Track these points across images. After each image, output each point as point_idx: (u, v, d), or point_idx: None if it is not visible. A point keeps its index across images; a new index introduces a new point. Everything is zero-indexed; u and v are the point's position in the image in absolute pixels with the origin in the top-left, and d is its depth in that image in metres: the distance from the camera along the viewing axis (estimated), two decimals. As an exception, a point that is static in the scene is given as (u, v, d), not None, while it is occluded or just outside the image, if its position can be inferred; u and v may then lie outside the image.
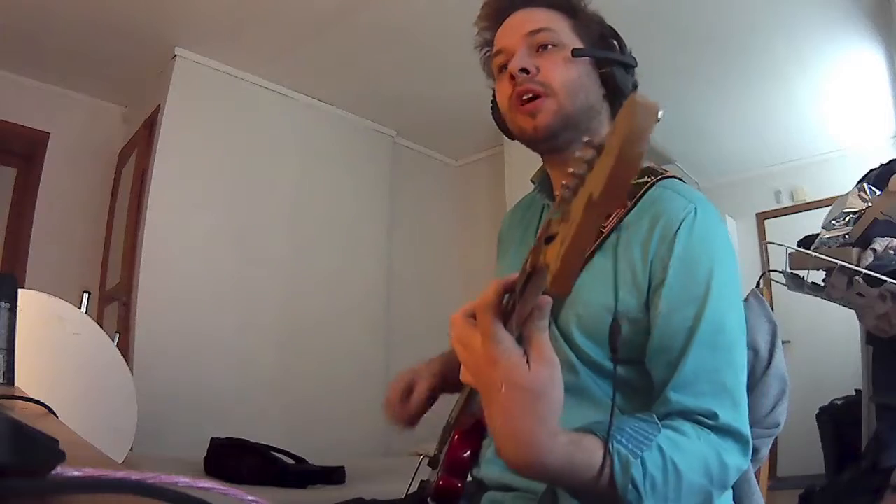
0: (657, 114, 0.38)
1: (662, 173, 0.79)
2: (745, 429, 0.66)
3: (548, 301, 0.52)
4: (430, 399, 0.93)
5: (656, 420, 0.64)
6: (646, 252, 0.72)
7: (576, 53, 0.79)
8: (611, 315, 0.70)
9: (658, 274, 0.71)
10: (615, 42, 0.83)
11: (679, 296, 0.69)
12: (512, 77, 0.79)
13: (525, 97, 0.79)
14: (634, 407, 0.71)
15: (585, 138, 0.42)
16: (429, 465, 0.91)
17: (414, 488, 0.93)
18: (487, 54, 0.89)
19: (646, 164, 0.81)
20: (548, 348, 0.52)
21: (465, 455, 0.81)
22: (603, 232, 0.74)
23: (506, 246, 0.99)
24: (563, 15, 0.83)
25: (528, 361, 0.51)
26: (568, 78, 0.79)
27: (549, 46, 0.80)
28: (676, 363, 0.67)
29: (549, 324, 0.72)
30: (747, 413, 0.68)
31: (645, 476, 0.58)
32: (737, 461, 0.65)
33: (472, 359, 0.54)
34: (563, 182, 0.43)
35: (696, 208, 0.73)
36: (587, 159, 0.41)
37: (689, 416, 0.65)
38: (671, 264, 0.70)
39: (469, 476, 0.83)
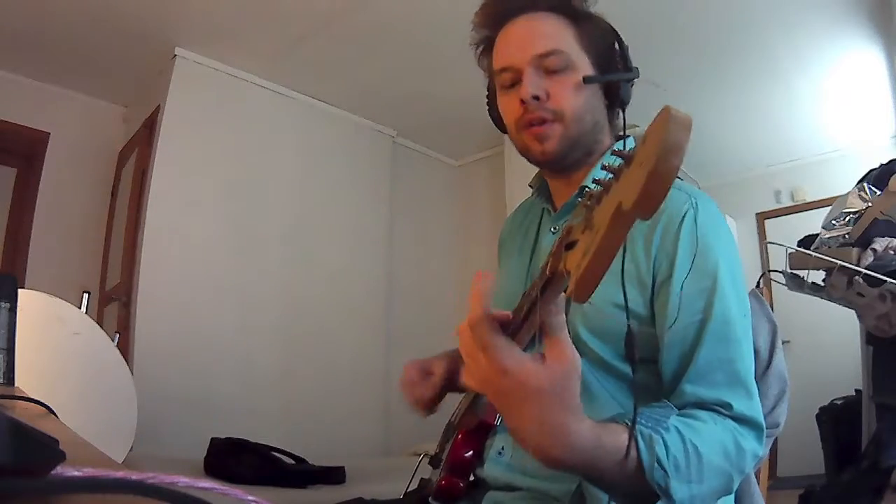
0: (690, 127, 0.38)
1: None
2: (760, 417, 0.67)
3: (562, 297, 0.51)
4: (448, 383, 0.90)
5: (670, 404, 0.66)
6: (648, 248, 0.73)
7: (587, 81, 0.78)
8: (617, 311, 0.71)
9: (664, 269, 0.72)
10: (618, 47, 0.82)
11: (687, 290, 0.70)
12: (522, 100, 0.79)
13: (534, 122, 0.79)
14: (639, 405, 0.72)
15: (614, 147, 0.42)
16: (430, 463, 0.91)
17: (414, 486, 0.93)
18: (483, 50, 0.87)
19: None
20: (566, 345, 0.52)
21: (468, 455, 0.81)
22: None
23: (507, 251, 0.99)
24: (566, 22, 0.81)
25: (545, 358, 0.52)
26: (578, 104, 0.78)
27: (560, 70, 0.79)
28: (689, 356, 0.69)
29: None
30: (759, 402, 0.69)
31: (668, 455, 0.59)
32: (753, 446, 0.66)
33: (479, 369, 0.54)
34: (587, 189, 0.43)
35: (696, 202, 0.73)
36: (613, 167, 0.40)
37: (705, 406, 0.67)
38: (677, 259, 0.71)
39: (471, 476, 0.83)
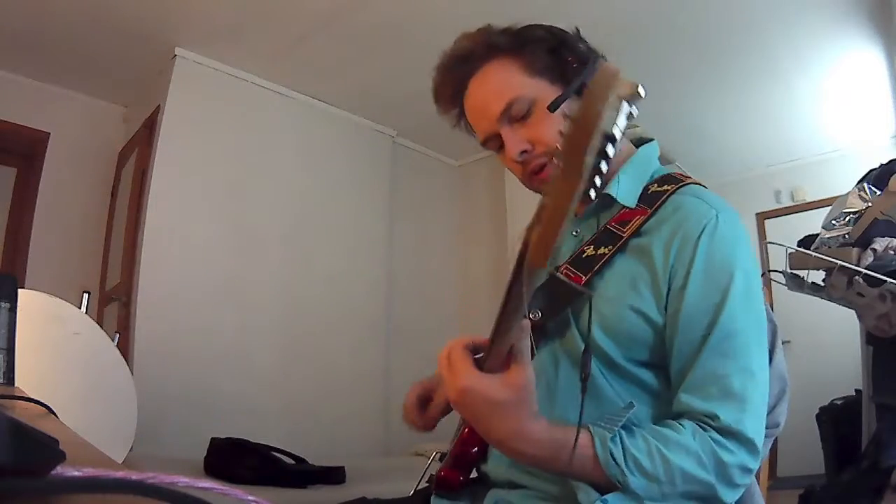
0: (615, 75, 0.41)
1: (683, 180, 0.79)
2: (749, 431, 0.67)
3: (527, 325, 0.60)
4: (448, 408, 0.94)
5: (632, 403, 0.70)
6: (666, 256, 0.73)
7: (552, 108, 0.78)
8: (632, 314, 0.72)
9: (679, 279, 0.72)
10: (566, 44, 0.81)
11: (698, 302, 0.70)
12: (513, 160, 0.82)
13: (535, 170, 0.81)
14: (649, 409, 0.73)
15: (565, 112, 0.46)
16: (440, 461, 0.91)
17: (423, 485, 0.93)
18: (465, 123, 0.91)
19: (668, 171, 0.83)
20: (526, 366, 0.61)
21: (474, 451, 0.81)
22: (623, 235, 0.75)
23: None
24: (509, 59, 0.81)
25: (507, 376, 0.61)
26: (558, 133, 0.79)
27: (527, 114, 0.80)
28: (690, 366, 0.70)
29: (569, 324, 0.75)
30: (760, 417, 0.69)
31: (625, 454, 0.64)
32: (738, 459, 0.66)
33: (450, 389, 0.64)
34: (553, 160, 0.46)
35: (717, 214, 0.73)
36: (567, 134, 0.45)
37: (694, 416, 0.68)
38: (692, 271, 0.71)
39: (473, 471, 0.83)
